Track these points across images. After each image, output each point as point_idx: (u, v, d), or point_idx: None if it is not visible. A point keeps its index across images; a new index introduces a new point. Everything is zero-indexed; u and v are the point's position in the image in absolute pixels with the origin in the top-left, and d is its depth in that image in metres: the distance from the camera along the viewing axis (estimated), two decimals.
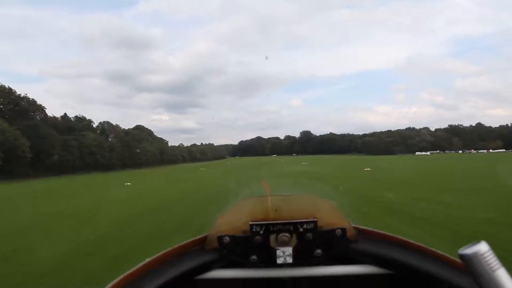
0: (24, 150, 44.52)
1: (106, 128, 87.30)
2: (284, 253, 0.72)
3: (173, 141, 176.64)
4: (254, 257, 0.73)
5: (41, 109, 63.50)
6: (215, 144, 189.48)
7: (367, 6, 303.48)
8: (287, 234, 0.73)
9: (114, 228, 9.05)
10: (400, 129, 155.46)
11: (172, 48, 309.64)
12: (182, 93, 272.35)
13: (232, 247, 0.74)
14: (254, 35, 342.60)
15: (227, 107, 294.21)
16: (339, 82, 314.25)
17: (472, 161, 44.28)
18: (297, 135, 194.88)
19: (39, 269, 5.68)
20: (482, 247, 0.55)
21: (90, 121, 79.83)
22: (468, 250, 0.55)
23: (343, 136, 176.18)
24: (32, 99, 61.79)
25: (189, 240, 0.78)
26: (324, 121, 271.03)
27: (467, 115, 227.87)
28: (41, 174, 47.43)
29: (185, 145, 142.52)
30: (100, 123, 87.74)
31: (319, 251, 0.73)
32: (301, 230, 0.73)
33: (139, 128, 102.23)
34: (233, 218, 0.78)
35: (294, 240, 0.73)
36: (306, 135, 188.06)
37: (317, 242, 0.73)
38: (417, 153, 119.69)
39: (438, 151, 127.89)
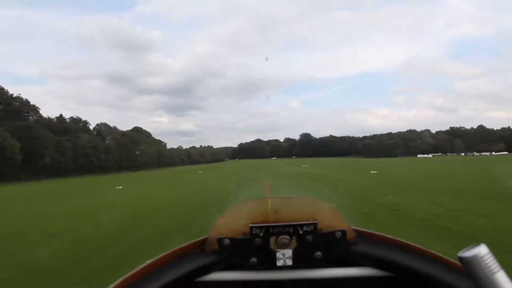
0: (13, 152, 42.81)
1: (103, 129, 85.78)
2: (284, 256, 0.72)
3: (172, 144, 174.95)
4: (254, 259, 0.73)
5: (34, 109, 61.97)
6: (214, 147, 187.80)
7: (367, 7, 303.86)
8: (287, 237, 0.73)
9: (71, 251, 7.13)
10: (401, 132, 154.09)
11: (172, 50, 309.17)
12: (182, 95, 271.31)
13: (232, 249, 0.74)
14: (254, 37, 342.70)
15: (227, 110, 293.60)
16: (339, 84, 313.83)
17: (478, 163, 42.62)
18: (297, 137, 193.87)
19: None
20: (482, 250, 0.54)
21: (86, 122, 78.40)
22: (468, 253, 0.55)
23: (343, 138, 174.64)
24: (26, 99, 60.30)
25: (189, 242, 0.78)
26: (324, 123, 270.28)
27: (467, 118, 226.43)
28: (32, 177, 45.74)
29: (184, 147, 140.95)
30: (97, 124, 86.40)
31: (319, 253, 0.73)
32: (301, 232, 0.73)
33: (137, 130, 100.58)
34: (233, 220, 0.78)
35: (294, 243, 0.73)
36: (306, 137, 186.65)
37: (317, 245, 0.73)
38: (419, 155, 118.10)
39: (440, 153, 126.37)
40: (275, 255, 0.72)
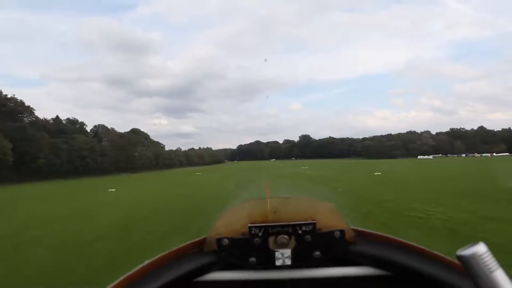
0: (5, 153, 41.60)
1: (100, 131, 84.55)
2: (283, 255, 0.72)
3: (172, 146, 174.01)
4: (253, 259, 0.73)
5: (29, 110, 60.79)
6: (213, 149, 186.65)
7: (367, 9, 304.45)
8: (285, 236, 0.73)
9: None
10: (401, 133, 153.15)
11: (171, 52, 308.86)
12: (181, 97, 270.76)
13: (231, 249, 0.74)
14: (254, 39, 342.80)
15: (226, 112, 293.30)
16: (338, 86, 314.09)
17: (483, 164, 41.62)
18: (296, 139, 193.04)
19: None
20: (480, 248, 0.54)
21: (82, 124, 77.21)
22: (466, 252, 0.55)
23: (342, 140, 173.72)
24: (20, 100, 59.17)
25: (188, 242, 0.78)
26: (323, 125, 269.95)
27: (467, 120, 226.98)
28: (25, 179, 44.56)
29: (184, 149, 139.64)
30: (94, 126, 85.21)
31: (318, 253, 0.73)
32: (299, 232, 0.73)
33: (134, 131, 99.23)
34: (231, 220, 0.78)
35: (293, 242, 0.73)
36: (305, 139, 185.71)
37: (316, 244, 0.73)
38: (419, 156, 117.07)
39: (440, 154, 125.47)
40: (274, 254, 0.72)
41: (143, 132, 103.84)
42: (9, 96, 56.40)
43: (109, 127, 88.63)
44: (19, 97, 55.66)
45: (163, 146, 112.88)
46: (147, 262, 0.72)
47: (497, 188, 13.47)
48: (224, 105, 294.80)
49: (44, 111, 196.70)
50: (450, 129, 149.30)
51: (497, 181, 15.77)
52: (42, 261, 6.22)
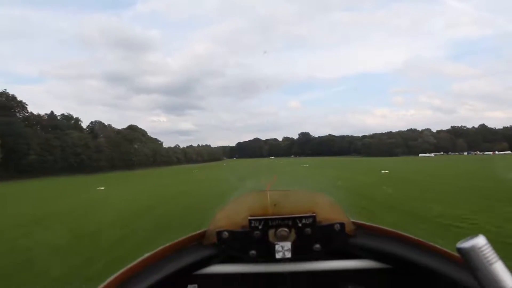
0: None
1: (97, 127, 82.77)
2: (283, 248, 0.72)
3: (170, 143, 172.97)
4: (253, 252, 0.73)
5: (21, 106, 59.05)
6: (212, 146, 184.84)
7: (366, 8, 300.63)
8: (286, 229, 0.73)
9: None
10: (402, 131, 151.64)
11: (170, 50, 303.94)
12: (180, 94, 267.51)
13: (231, 242, 0.74)
14: (253, 36, 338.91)
15: (225, 109, 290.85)
16: (338, 84, 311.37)
17: (489, 162, 40.13)
18: (296, 136, 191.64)
19: None
20: (480, 241, 0.54)
21: (77, 120, 75.46)
22: (466, 244, 0.55)
23: (342, 137, 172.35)
24: (12, 95, 57.48)
25: (188, 235, 0.78)
26: (323, 123, 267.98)
27: (466, 118, 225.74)
28: (15, 176, 42.86)
29: (182, 146, 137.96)
30: (91, 122, 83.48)
31: (317, 246, 0.74)
32: (299, 225, 0.73)
33: (131, 128, 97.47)
34: (232, 213, 0.78)
35: (293, 235, 0.73)
36: (305, 136, 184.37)
37: (316, 237, 0.74)
38: (420, 154, 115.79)
39: (441, 152, 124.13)
40: (274, 247, 0.72)
41: (140, 128, 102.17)
42: (0, 90, 54.79)
43: (106, 124, 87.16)
44: (19, 94, 53.87)
45: (161, 143, 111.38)
46: (147, 254, 0.72)
47: None
48: (223, 103, 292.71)
49: (44, 108, 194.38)
50: (451, 127, 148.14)
51: None
52: None
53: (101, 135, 79.59)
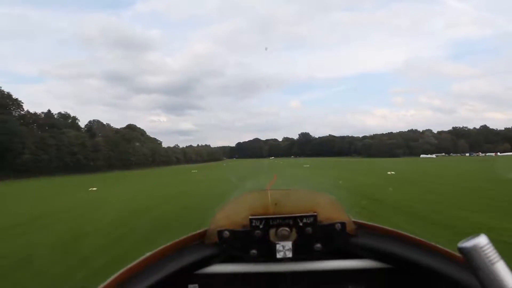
0: None
1: (95, 126, 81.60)
2: (284, 248, 0.72)
3: (170, 143, 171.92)
4: (254, 251, 0.73)
5: (17, 104, 57.90)
6: (212, 146, 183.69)
7: (366, 8, 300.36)
8: (286, 229, 0.73)
9: None
10: (402, 131, 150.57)
11: (170, 49, 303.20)
12: (180, 94, 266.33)
13: (232, 242, 0.74)
14: (253, 36, 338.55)
15: (225, 109, 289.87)
16: (338, 84, 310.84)
17: (496, 163, 38.99)
18: (296, 137, 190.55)
19: None
20: (482, 240, 0.54)
21: (75, 118, 74.32)
22: (467, 243, 0.55)
23: (342, 138, 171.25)
24: (8, 93, 56.26)
25: (189, 234, 0.78)
26: (323, 123, 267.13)
27: (466, 119, 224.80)
28: (9, 175, 41.67)
29: (182, 146, 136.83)
30: (89, 121, 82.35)
31: (318, 245, 0.73)
32: (300, 224, 0.73)
33: (130, 127, 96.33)
34: (232, 212, 0.78)
35: (294, 235, 0.73)
36: (305, 137, 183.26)
37: (317, 237, 0.73)
38: (422, 155, 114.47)
39: (443, 153, 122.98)
40: (275, 247, 0.72)
41: (139, 128, 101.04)
42: None
43: (105, 123, 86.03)
44: (18, 94, 52.63)
45: (160, 143, 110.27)
46: (148, 254, 0.72)
47: None
48: (223, 102, 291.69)
49: (44, 107, 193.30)
50: (453, 127, 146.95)
51: None
52: None
53: (99, 134, 78.48)
